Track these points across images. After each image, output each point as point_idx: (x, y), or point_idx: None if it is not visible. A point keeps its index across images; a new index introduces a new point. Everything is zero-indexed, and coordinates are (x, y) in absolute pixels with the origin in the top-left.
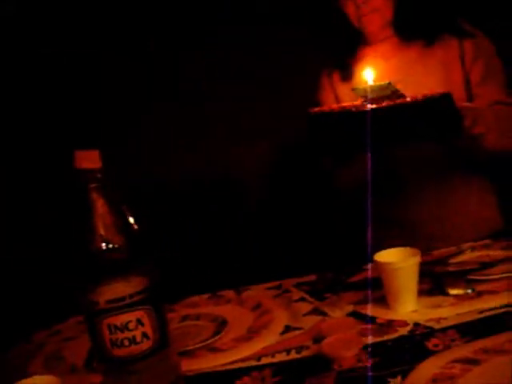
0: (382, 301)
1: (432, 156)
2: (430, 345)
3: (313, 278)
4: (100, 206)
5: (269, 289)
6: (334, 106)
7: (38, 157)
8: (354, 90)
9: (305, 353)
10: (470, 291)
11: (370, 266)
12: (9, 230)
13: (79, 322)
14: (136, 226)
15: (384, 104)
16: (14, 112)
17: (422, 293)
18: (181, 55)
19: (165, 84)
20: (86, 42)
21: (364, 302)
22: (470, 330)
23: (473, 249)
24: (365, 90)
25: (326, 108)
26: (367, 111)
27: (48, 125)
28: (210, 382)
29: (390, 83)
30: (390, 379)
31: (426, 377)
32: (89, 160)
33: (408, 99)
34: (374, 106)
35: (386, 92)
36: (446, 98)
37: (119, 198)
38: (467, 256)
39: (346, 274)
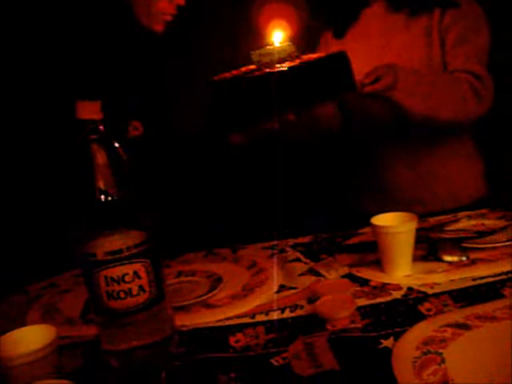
0: (377, 264)
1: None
2: (422, 309)
3: (309, 239)
4: (100, 157)
5: (264, 248)
6: (236, 71)
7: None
8: (250, 54)
9: (299, 312)
10: (464, 258)
11: (365, 230)
12: (6, 181)
13: (75, 276)
14: (135, 180)
15: (285, 65)
16: None
17: (416, 258)
18: None
19: None
20: None
21: (359, 264)
22: (463, 297)
23: (469, 217)
24: (260, 55)
25: (227, 74)
26: (270, 74)
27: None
28: (204, 337)
29: (290, 44)
30: (382, 340)
31: (417, 339)
32: (90, 111)
33: (305, 59)
34: (278, 68)
35: (283, 54)
36: (340, 57)
37: (120, 150)
38: (463, 224)
39: (342, 237)
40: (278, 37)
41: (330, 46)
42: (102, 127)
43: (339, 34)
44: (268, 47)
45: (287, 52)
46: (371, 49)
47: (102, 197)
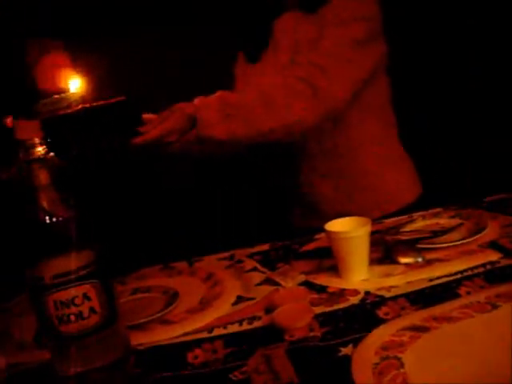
0: (334, 270)
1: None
2: (380, 313)
3: (265, 247)
4: (42, 177)
5: (221, 259)
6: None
7: None
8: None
9: (257, 323)
10: (420, 259)
11: (322, 235)
12: None
13: (27, 299)
14: (81, 199)
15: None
16: None
17: (373, 261)
18: None
19: None
20: None
21: (316, 271)
22: (420, 298)
23: (423, 217)
24: (45, 104)
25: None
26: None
27: None
28: (161, 355)
29: (74, 93)
30: (341, 348)
31: (376, 345)
32: (29, 130)
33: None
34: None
35: (64, 103)
36: (121, 104)
37: (63, 169)
38: (418, 224)
39: (298, 244)
40: (69, 85)
41: (246, 73)
42: (42, 146)
43: (253, 59)
44: (55, 96)
45: (70, 101)
46: (279, 67)
47: (47, 218)
